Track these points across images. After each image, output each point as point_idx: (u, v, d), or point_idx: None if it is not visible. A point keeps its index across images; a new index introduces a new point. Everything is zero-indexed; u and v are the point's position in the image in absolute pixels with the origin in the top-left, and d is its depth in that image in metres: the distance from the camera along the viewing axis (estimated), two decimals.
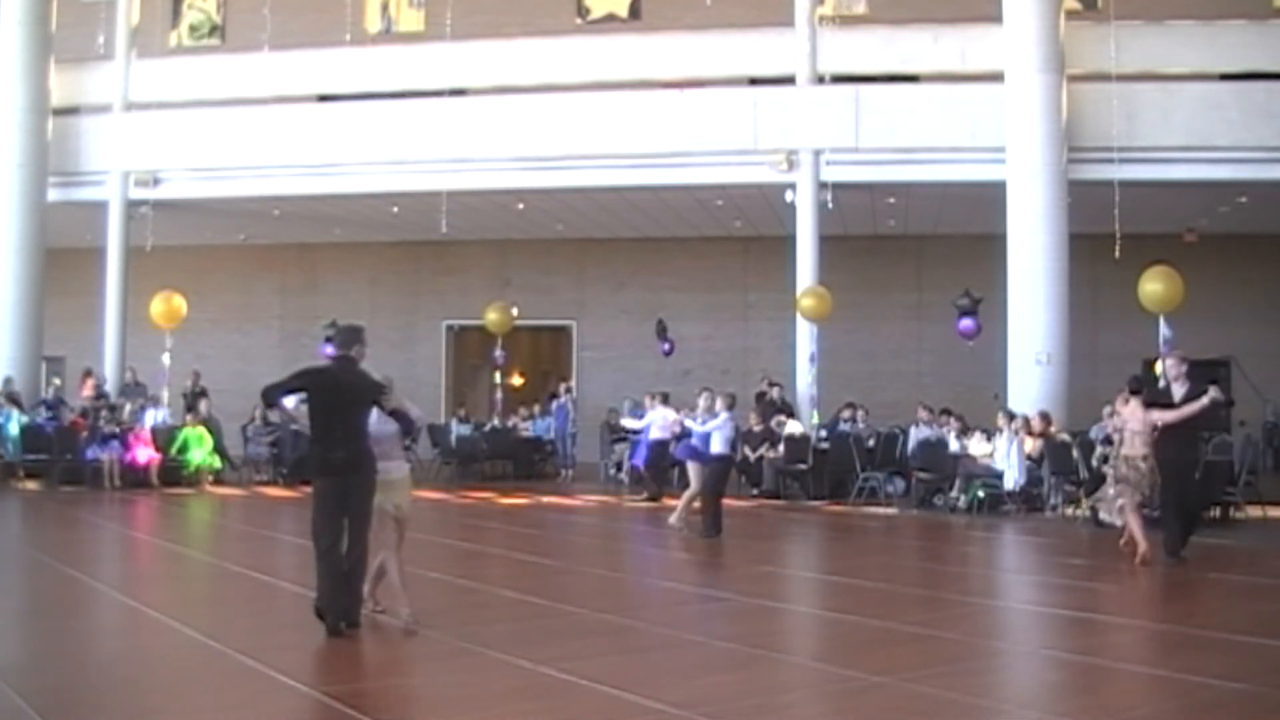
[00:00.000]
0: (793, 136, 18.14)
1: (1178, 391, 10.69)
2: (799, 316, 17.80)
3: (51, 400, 18.94)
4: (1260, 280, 21.03)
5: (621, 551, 12.28)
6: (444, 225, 19.00)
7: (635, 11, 20.87)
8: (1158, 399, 10.79)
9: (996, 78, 17.05)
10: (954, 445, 15.51)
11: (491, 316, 19.73)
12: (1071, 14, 17.69)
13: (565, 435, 20.21)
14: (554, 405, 20.69)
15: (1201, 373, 11.15)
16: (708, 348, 22.81)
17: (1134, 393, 10.90)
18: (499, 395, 20.66)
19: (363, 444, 7.17)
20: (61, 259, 20.63)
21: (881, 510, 15.06)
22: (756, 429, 17.24)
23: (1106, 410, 14.20)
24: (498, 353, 20.34)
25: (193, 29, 22.20)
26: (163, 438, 17.66)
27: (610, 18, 20.96)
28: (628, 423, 17.35)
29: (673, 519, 12.49)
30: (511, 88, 19.56)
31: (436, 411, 21.90)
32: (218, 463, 17.75)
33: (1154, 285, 14.51)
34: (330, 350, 15.07)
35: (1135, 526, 10.42)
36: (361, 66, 20.15)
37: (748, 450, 17.19)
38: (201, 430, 17.59)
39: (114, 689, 5.97)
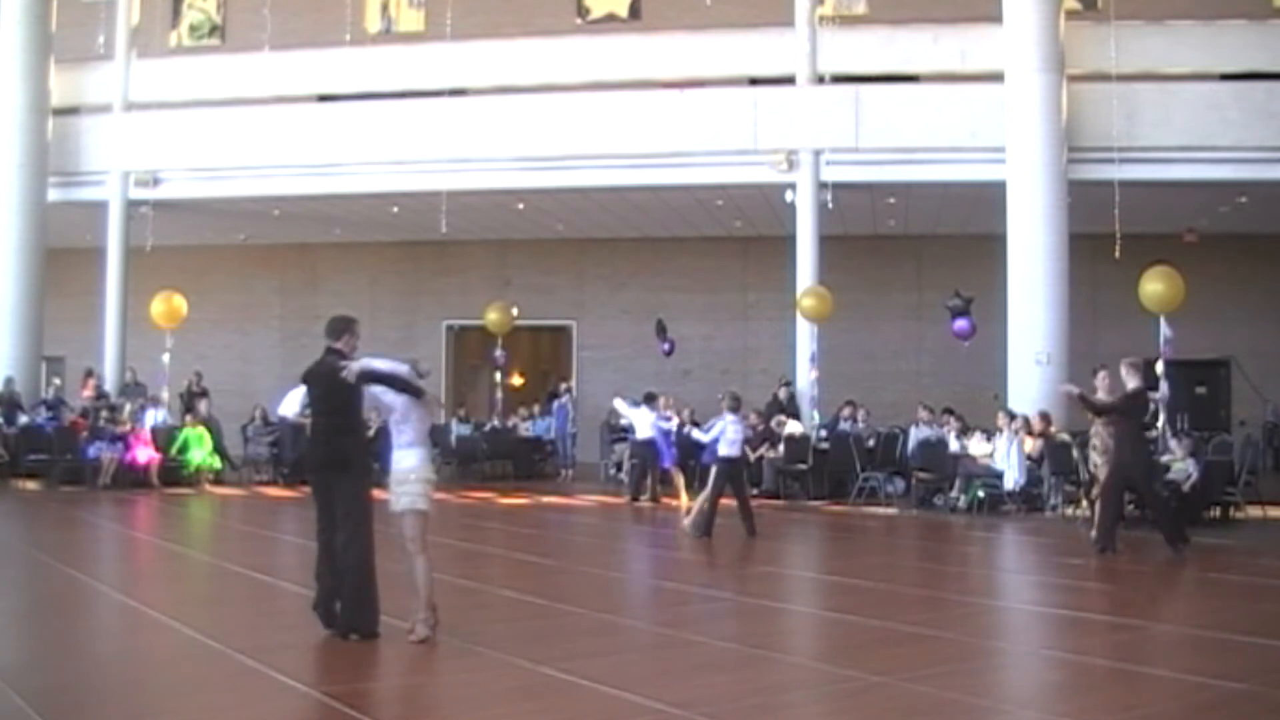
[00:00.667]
0: (793, 136, 18.14)
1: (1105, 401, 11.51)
2: (799, 316, 17.80)
3: (51, 400, 18.96)
4: (1260, 280, 21.02)
5: (621, 551, 12.28)
6: (444, 225, 19.01)
7: (635, 11, 20.87)
8: (1094, 405, 11.47)
9: (996, 78, 17.06)
10: (954, 445, 15.52)
11: (492, 316, 19.73)
12: (1071, 14, 17.69)
13: (565, 435, 20.22)
14: (554, 405, 20.69)
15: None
16: (708, 348, 22.82)
17: None
18: (499, 395, 20.66)
19: (346, 440, 6.97)
20: (61, 259, 20.63)
21: (881, 510, 15.06)
22: (757, 429, 17.25)
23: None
24: (498, 353, 20.34)
25: (193, 29, 22.20)
26: (163, 438, 17.67)
27: (610, 18, 20.96)
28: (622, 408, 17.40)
29: (686, 522, 12.35)
30: (511, 88, 19.57)
31: (436, 412, 21.87)
32: (218, 463, 17.75)
33: (1155, 285, 14.51)
34: None
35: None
36: (361, 66, 20.16)
37: (748, 450, 17.20)
38: (201, 430, 17.60)
39: (114, 689, 5.97)
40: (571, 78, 19.50)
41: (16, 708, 5.33)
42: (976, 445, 15.41)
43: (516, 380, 25.18)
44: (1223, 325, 20.20)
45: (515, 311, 20.22)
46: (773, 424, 17.14)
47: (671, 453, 15.67)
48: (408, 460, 6.84)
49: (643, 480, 16.11)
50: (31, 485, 17.20)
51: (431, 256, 23.75)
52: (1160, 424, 14.48)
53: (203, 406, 18.24)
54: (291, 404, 17.80)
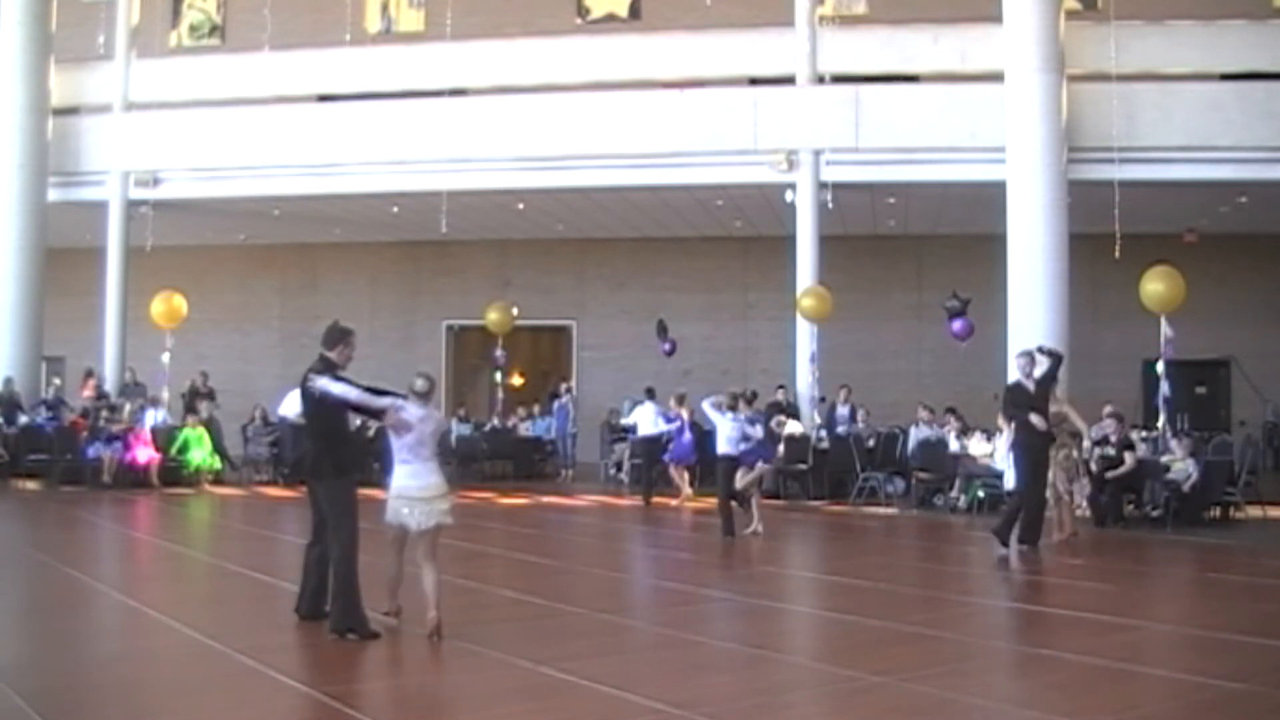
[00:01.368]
0: (793, 136, 18.14)
1: (1033, 387, 11.42)
2: (799, 316, 17.80)
3: (51, 400, 18.95)
4: (1260, 280, 21.02)
5: (621, 551, 12.28)
6: (444, 225, 19.00)
7: (635, 11, 20.87)
8: (1017, 399, 11.51)
9: (996, 78, 17.05)
10: (954, 445, 15.51)
11: (492, 316, 19.73)
12: (1071, 14, 17.68)
13: (565, 435, 20.22)
14: (554, 405, 20.69)
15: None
16: (708, 348, 22.81)
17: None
18: (500, 395, 20.65)
19: (330, 446, 7.06)
20: (61, 259, 20.62)
21: (881, 510, 15.06)
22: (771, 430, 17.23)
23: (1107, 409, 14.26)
24: (498, 353, 20.34)
25: (193, 29, 22.19)
26: (163, 438, 17.67)
27: (610, 18, 20.96)
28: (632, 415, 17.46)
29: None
30: (511, 88, 19.55)
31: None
32: (218, 463, 17.75)
33: (1155, 285, 14.51)
34: None
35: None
36: (361, 66, 20.14)
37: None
38: (201, 430, 17.60)
39: (114, 689, 5.97)
40: (571, 78, 19.48)
41: (16, 708, 5.33)
42: (976, 445, 15.40)
43: (516, 380, 25.18)
44: (1223, 325, 20.20)
45: (515, 311, 20.21)
46: (773, 424, 17.11)
47: (684, 449, 15.76)
48: (436, 476, 7.11)
49: (649, 476, 16.20)
50: (31, 485, 17.20)
51: (431, 256, 23.74)
52: (1160, 424, 14.50)
53: (203, 407, 18.24)
54: (292, 404, 17.81)
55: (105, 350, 20.19)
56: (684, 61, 19.43)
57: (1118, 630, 7.45)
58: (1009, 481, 14.55)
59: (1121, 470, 13.27)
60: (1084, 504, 13.22)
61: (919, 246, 22.24)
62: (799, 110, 18.34)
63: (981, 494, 14.63)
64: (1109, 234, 16.41)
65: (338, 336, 7.23)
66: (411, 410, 6.95)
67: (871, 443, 16.36)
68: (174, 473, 17.37)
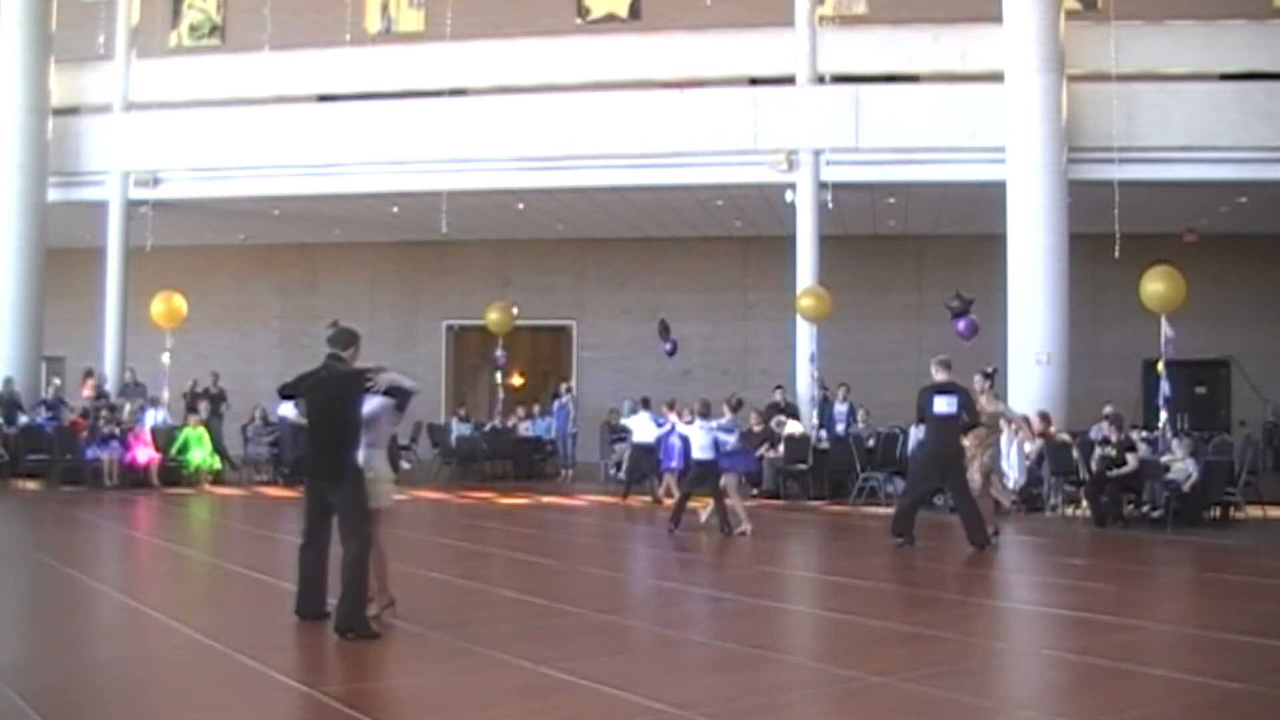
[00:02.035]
0: (793, 136, 18.14)
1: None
2: (799, 316, 17.80)
3: (51, 400, 18.95)
4: (1260, 280, 21.03)
5: (621, 551, 12.28)
6: (444, 225, 19.01)
7: (635, 11, 20.87)
8: (924, 400, 11.48)
9: (996, 78, 17.05)
10: None
11: (492, 316, 19.73)
12: (1071, 14, 17.69)
13: (565, 435, 20.21)
14: (554, 405, 20.69)
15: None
16: (708, 348, 22.82)
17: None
18: (500, 395, 20.66)
19: (347, 449, 7.05)
20: (61, 259, 20.63)
21: (881, 510, 15.04)
22: (756, 429, 17.24)
23: (1107, 410, 14.27)
24: (498, 353, 20.33)
25: (193, 29, 22.20)
26: (163, 438, 17.67)
27: (610, 18, 20.96)
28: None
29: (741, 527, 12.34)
30: (511, 88, 19.56)
31: (436, 411, 21.91)
32: (218, 463, 17.75)
33: (1156, 285, 14.51)
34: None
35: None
36: (361, 66, 20.15)
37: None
38: (201, 430, 17.60)
39: (114, 689, 5.97)
40: (571, 78, 19.48)
41: (16, 708, 5.33)
42: None
43: (516, 380, 25.19)
44: (1223, 325, 20.20)
45: (515, 311, 20.22)
46: (773, 424, 17.14)
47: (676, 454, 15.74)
48: (379, 460, 7.25)
49: (641, 481, 16.21)
50: (31, 485, 17.20)
51: (431, 256, 23.75)
52: (1161, 424, 14.51)
53: (204, 407, 18.25)
54: (287, 413, 17.89)
55: (105, 350, 20.20)
56: (684, 61, 19.43)
57: (1118, 630, 7.45)
58: (1009, 481, 14.63)
59: (1123, 470, 13.27)
60: (1007, 502, 13.21)
61: (919, 246, 22.24)
62: (799, 110, 18.35)
63: None
64: (1109, 234, 16.41)
65: (350, 338, 7.44)
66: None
67: (871, 443, 16.35)
68: (174, 473, 17.37)
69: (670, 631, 7.31)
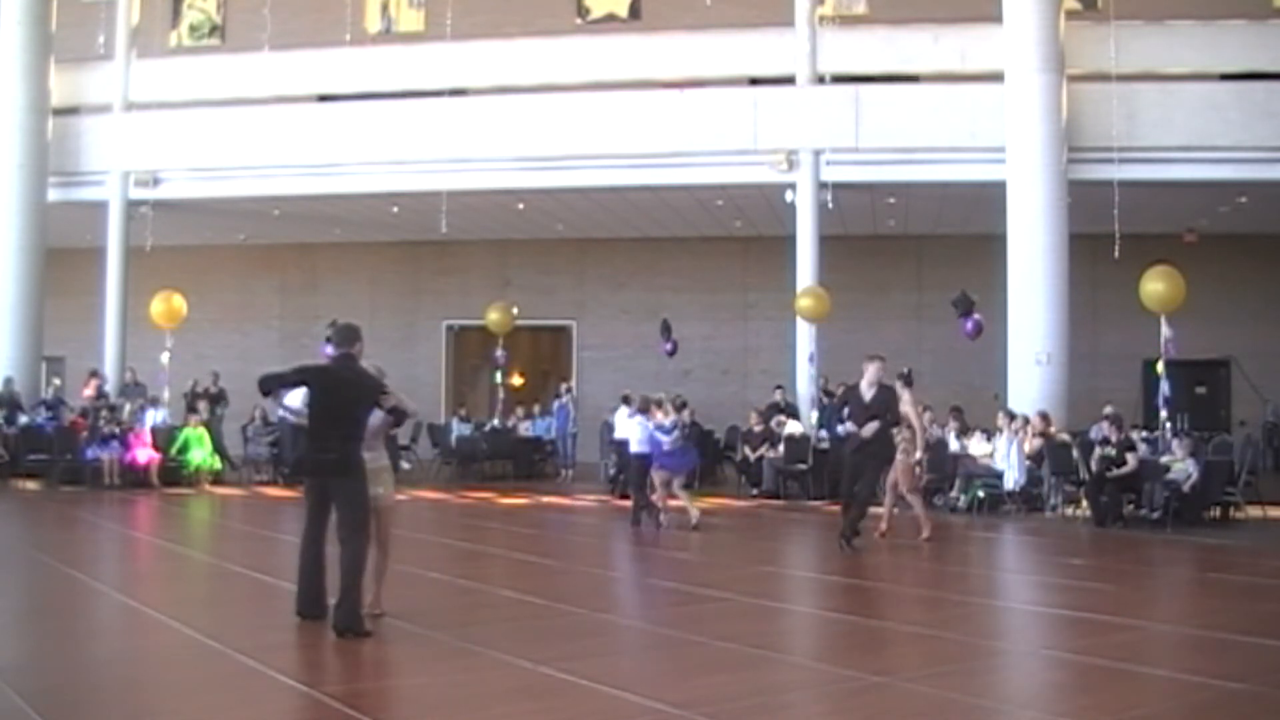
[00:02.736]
0: (793, 136, 18.14)
1: (867, 394, 11.37)
2: (798, 317, 17.80)
3: (51, 400, 18.95)
4: (1260, 280, 21.03)
5: (621, 552, 12.28)
6: (444, 225, 19.01)
7: (635, 11, 20.87)
8: (849, 398, 11.69)
9: (996, 78, 17.05)
10: (954, 445, 15.52)
11: (492, 316, 19.73)
12: (1071, 14, 17.69)
13: (565, 435, 20.21)
14: (554, 405, 20.69)
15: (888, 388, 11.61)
16: (708, 348, 22.83)
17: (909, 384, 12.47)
18: (500, 395, 20.66)
19: (354, 447, 7.11)
20: (61, 259, 20.63)
21: (882, 510, 15.02)
22: (756, 429, 17.26)
23: (1107, 410, 14.26)
24: (498, 353, 20.33)
25: (193, 29, 22.20)
26: (163, 438, 17.67)
27: (610, 18, 20.96)
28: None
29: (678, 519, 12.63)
30: (511, 88, 19.56)
31: (436, 411, 21.92)
32: (218, 463, 17.75)
33: (1156, 285, 14.52)
34: (329, 350, 15.02)
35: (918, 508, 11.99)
36: (361, 66, 20.15)
37: (748, 450, 17.24)
38: (201, 430, 17.60)
39: (114, 689, 5.97)
40: (571, 78, 19.49)
41: (16, 708, 5.33)
42: (976, 445, 15.42)
43: (516, 380, 25.19)
44: (1223, 325, 20.20)
45: (515, 311, 20.21)
46: (773, 424, 17.16)
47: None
48: (378, 461, 7.32)
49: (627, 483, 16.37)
50: (31, 485, 17.20)
51: (431, 256, 23.75)
52: (1161, 423, 14.51)
53: (203, 407, 18.24)
54: (293, 404, 17.86)
55: (105, 350, 20.20)
56: (684, 61, 19.44)
57: (1118, 630, 7.45)
58: (1008, 481, 14.64)
59: (1124, 471, 13.26)
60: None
61: (919, 246, 22.24)
62: (799, 110, 18.35)
63: (981, 494, 14.64)
64: (1109, 234, 16.41)
65: (356, 334, 7.49)
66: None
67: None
68: (174, 473, 17.37)
69: (670, 631, 7.31)
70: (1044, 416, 15.00)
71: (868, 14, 19.37)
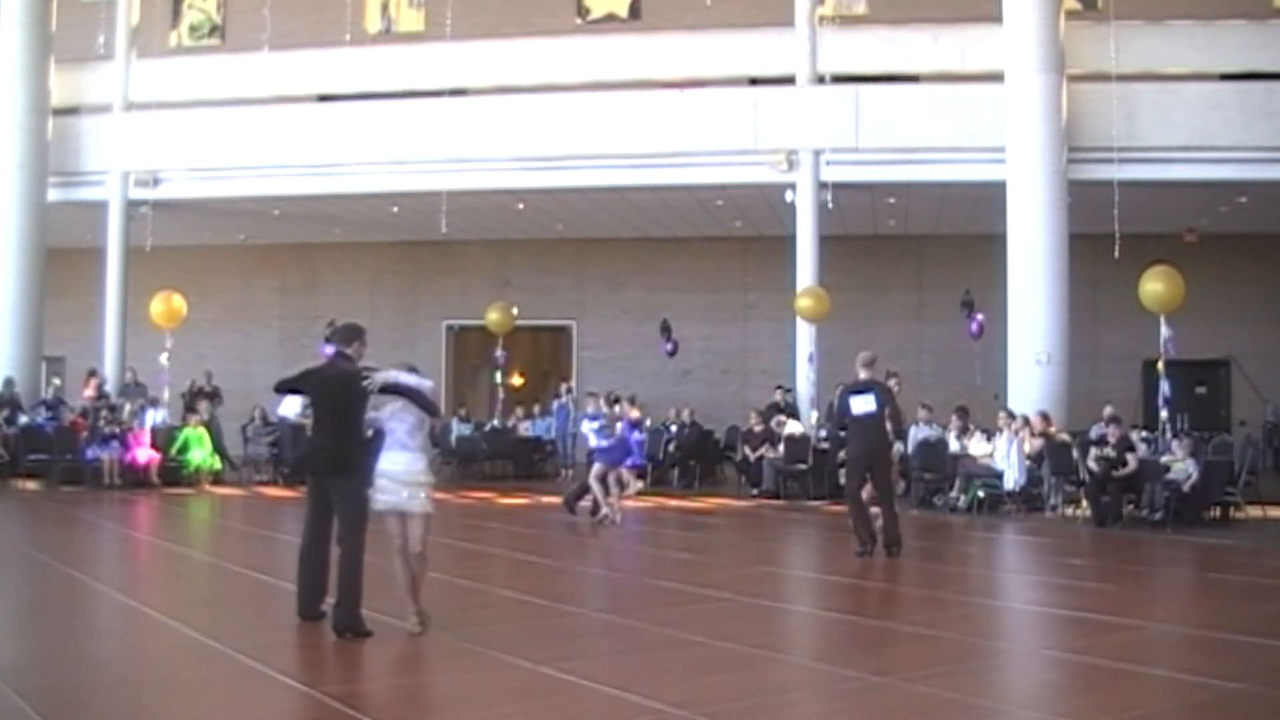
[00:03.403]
0: (793, 136, 18.14)
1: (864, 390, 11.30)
2: (798, 317, 17.80)
3: (51, 400, 18.95)
4: (1260, 280, 21.03)
5: (621, 552, 12.28)
6: (444, 225, 19.01)
7: (635, 11, 20.88)
8: (839, 401, 11.52)
9: (996, 78, 17.05)
10: (954, 445, 15.51)
11: (492, 316, 19.73)
12: (1071, 14, 17.70)
13: (565, 435, 20.22)
14: (554, 405, 20.70)
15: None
16: (708, 348, 22.83)
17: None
18: (500, 395, 20.66)
19: (350, 444, 7.11)
20: (61, 259, 20.63)
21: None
22: (757, 429, 17.27)
23: (1108, 411, 14.25)
24: (498, 353, 20.34)
25: (193, 29, 22.20)
26: (163, 438, 17.67)
27: (610, 18, 20.97)
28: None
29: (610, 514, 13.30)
30: (511, 88, 19.56)
31: None
32: (218, 463, 17.75)
33: (1155, 285, 14.52)
34: (329, 349, 15.05)
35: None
36: (361, 66, 20.15)
37: (747, 450, 17.25)
38: (201, 430, 17.60)
39: (114, 689, 5.97)
40: (571, 78, 19.49)
41: (16, 708, 5.33)
42: (976, 445, 15.41)
43: (516, 380, 25.20)
44: (1223, 325, 20.21)
45: (515, 311, 20.21)
46: (773, 424, 17.16)
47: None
48: (420, 464, 7.07)
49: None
50: (31, 485, 17.20)
51: (431, 256, 23.75)
52: (1161, 423, 14.51)
53: (203, 407, 18.24)
54: (292, 404, 17.74)
55: (105, 350, 20.20)
56: (684, 61, 19.44)
57: (1118, 630, 7.45)
58: (1008, 481, 14.63)
59: (1125, 471, 13.25)
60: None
61: (919, 246, 22.24)
62: (799, 110, 18.35)
63: (981, 494, 14.63)
64: (1109, 234, 16.41)
65: (354, 333, 7.47)
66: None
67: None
68: (174, 473, 17.37)
69: (670, 631, 7.31)
70: (1044, 416, 15.00)
71: (868, 14, 19.38)
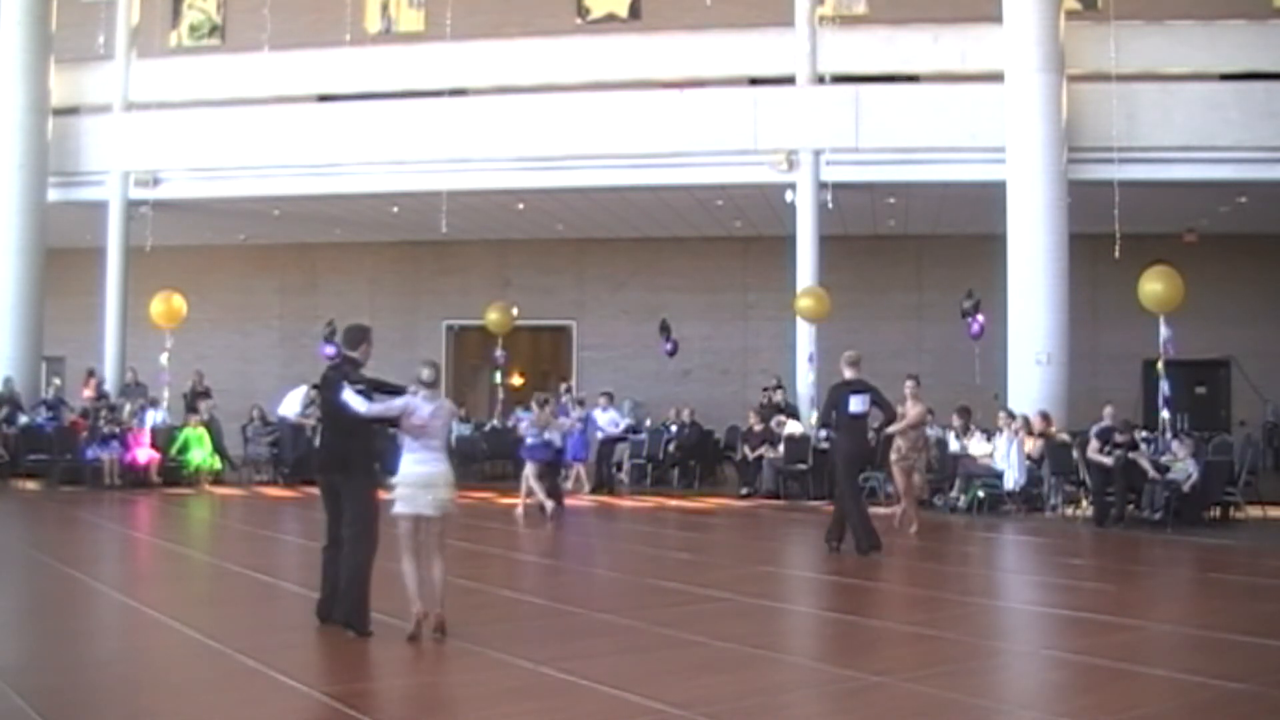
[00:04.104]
0: (793, 136, 18.14)
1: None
2: (798, 317, 17.80)
3: (51, 400, 18.94)
4: (1260, 280, 21.02)
5: (621, 551, 12.28)
6: (444, 225, 19.00)
7: (635, 11, 20.87)
8: (834, 398, 11.65)
9: (996, 78, 17.05)
10: (954, 445, 15.51)
11: (492, 316, 19.72)
12: (1071, 14, 17.69)
13: (565, 435, 20.16)
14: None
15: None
16: (708, 348, 22.83)
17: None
18: (500, 395, 20.64)
19: (354, 444, 7.15)
20: (61, 259, 20.62)
21: (881, 510, 15.03)
22: (756, 429, 17.26)
23: (1108, 411, 14.23)
24: (498, 353, 20.33)
25: (193, 29, 22.20)
26: (163, 438, 17.66)
27: (610, 18, 20.96)
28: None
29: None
30: (511, 88, 19.56)
31: None
32: (218, 463, 17.74)
33: (1154, 285, 14.52)
34: (329, 350, 15.19)
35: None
36: (361, 66, 20.14)
37: (746, 450, 17.24)
38: (201, 430, 17.60)
39: (114, 689, 5.97)
40: (571, 78, 19.48)
41: (16, 708, 5.33)
42: (976, 445, 15.41)
43: (516, 380, 25.18)
44: (1223, 325, 20.19)
45: (515, 311, 20.21)
46: (772, 424, 17.15)
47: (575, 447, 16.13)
48: (444, 465, 7.16)
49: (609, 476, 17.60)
50: (31, 485, 17.20)
51: (431, 256, 23.75)
52: (1161, 423, 14.51)
53: (203, 407, 18.24)
54: (292, 404, 17.78)
55: (105, 350, 20.20)
56: (684, 61, 19.43)
57: (1118, 630, 7.45)
58: (1008, 481, 14.64)
59: (1148, 470, 13.21)
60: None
61: (919, 246, 22.23)
62: (799, 110, 18.34)
63: (981, 494, 14.63)
64: (1109, 234, 16.41)
65: (360, 336, 7.46)
66: (423, 409, 7.07)
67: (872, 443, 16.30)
68: (174, 473, 17.36)
69: (670, 631, 7.31)
70: (1044, 416, 14.99)
71: (868, 14, 19.37)
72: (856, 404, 11.10)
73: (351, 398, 7.03)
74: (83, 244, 20.89)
